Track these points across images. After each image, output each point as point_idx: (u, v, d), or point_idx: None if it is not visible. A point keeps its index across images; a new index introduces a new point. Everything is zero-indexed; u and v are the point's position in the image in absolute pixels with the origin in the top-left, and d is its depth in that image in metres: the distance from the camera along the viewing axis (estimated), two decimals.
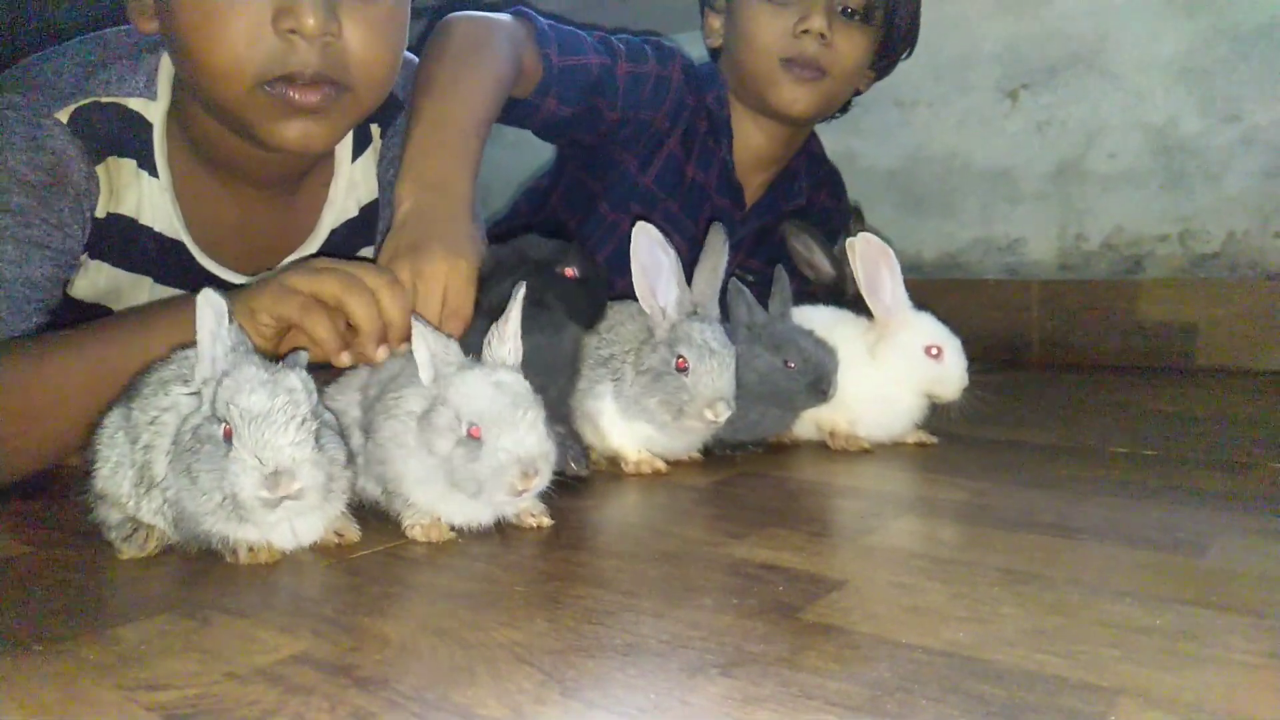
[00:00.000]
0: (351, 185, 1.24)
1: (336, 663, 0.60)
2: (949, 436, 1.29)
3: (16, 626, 0.66)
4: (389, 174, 1.24)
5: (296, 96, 0.98)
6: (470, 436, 0.80)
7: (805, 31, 1.49)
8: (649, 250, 1.09)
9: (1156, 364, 2.09)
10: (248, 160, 1.11)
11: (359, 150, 1.24)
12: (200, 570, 0.78)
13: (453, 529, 0.87)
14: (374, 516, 0.90)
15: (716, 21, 1.67)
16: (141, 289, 1.16)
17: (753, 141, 1.64)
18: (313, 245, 1.23)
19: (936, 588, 0.73)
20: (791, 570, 0.77)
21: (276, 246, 1.22)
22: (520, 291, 0.85)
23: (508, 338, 0.85)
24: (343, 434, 0.85)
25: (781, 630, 0.65)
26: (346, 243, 1.25)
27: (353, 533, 0.86)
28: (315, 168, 1.21)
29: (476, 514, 0.86)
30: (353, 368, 0.95)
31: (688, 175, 1.60)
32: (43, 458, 0.98)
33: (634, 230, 1.08)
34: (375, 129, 1.25)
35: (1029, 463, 1.18)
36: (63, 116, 1.04)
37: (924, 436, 1.29)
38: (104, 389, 0.89)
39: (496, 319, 0.86)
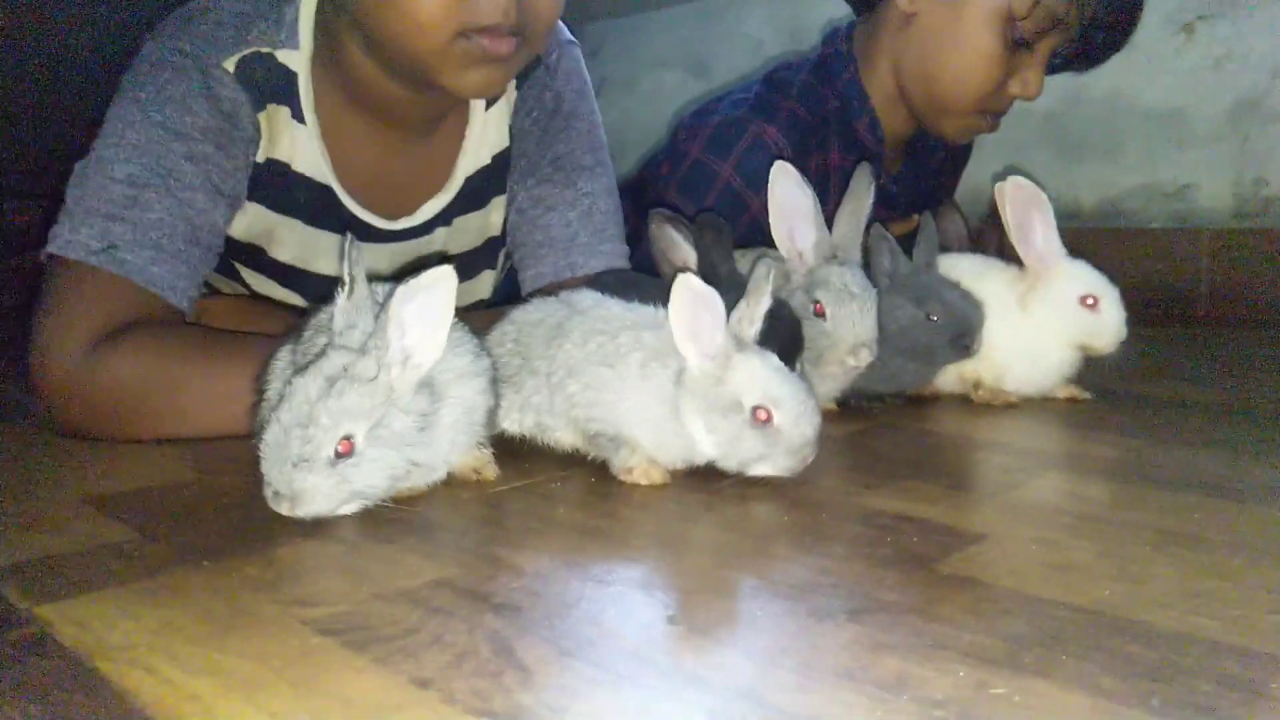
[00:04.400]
0: (484, 134, 1.26)
1: (475, 589, 0.62)
2: (1103, 392, 1.23)
3: (188, 544, 0.72)
4: (525, 122, 1.26)
5: (491, 46, 1.00)
6: (758, 420, 0.82)
7: (1020, 95, 1.42)
8: (788, 192, 1.06)
9: None
10: (398, 103, 1.14)
11: (492, 100, 1.25)
12: None
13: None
14: (512, 455, 0.93)
15: None
16: (294, 230, 1.21)
17: (893, 124, 1.55)
18: (450, 192, 1.26)
19: (1083, 545, 0.70)
20: (928, 522, 0.75)
21: (415, 191, 1.25)
22: (770, 270, 0.85)
23: (757, 319, 0.85)
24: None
25: (915, 580, 0.63)
26: (480, 190, 1.28)
27: (490, 471, 0.88)
28: (451, 114, 1.23)
29: (687, 457, 0.88)
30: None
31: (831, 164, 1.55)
32: (156, 435, 1.03)
33: (772, 171, 1.06)
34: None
35: (1191, 422, 1.11)
36: (229, 66, 1.08)
37: (1076, 391, 1.22)
38: (220, 411, 0.98)
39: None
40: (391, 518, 0.77)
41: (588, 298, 0.94)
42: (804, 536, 0.73)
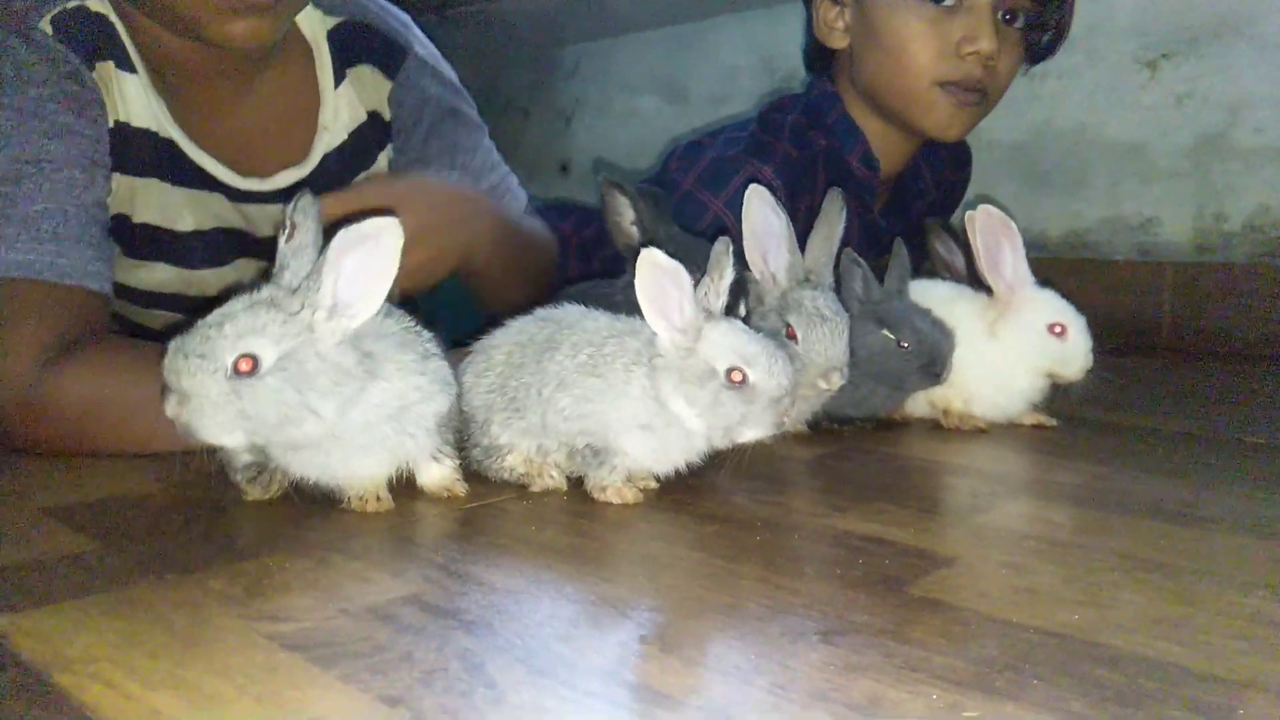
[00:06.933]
0: (338, 112, 1.26)
1: (445, 606, 0.62)
2: (1069, 419, 1.24)
3: (152, 557, 0.71)
4: (416, 105, 1.30)
5: None
6: (733, 382, 0.83)
7: (972, 52, 1.38)
8: (761, 214, 1.07)
9: None
10: (190, 60, 1.09)
11: (337, 81, 1.26)
12: (318, 515, 0.81)
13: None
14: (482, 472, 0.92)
15: (838, 17, 1.50)
16: (152, 189, 1.15)
17: (884, 157, 1.54)
18: (307, 166, 1.25)
19: (1050, 570, 0.71)
20: (898, 545, 0.76)
21: (269, 154, 1.22)
22: (729, 244, 0.86)
23: (723, 293, 0.87)
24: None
25: (886, 603, 0.64)
26: (341, 172, 1.27)
27: (460, 488, 0.88)
28: (298, 90, 1.22)
29: (685, 452, 0.88)
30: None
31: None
32: (118, 451, 0.98)
33: (746, 193, 1.06)
34: (366, 69, 1.27)
35: (1155, 449, 1.12)
36: (45, 27, 1.00)
37: (1042, 418, 1.24)
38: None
39: None
40: (359, 533, 0.77)
41: (573, 311, 0.94)
42: (776, 557, 0.73)
